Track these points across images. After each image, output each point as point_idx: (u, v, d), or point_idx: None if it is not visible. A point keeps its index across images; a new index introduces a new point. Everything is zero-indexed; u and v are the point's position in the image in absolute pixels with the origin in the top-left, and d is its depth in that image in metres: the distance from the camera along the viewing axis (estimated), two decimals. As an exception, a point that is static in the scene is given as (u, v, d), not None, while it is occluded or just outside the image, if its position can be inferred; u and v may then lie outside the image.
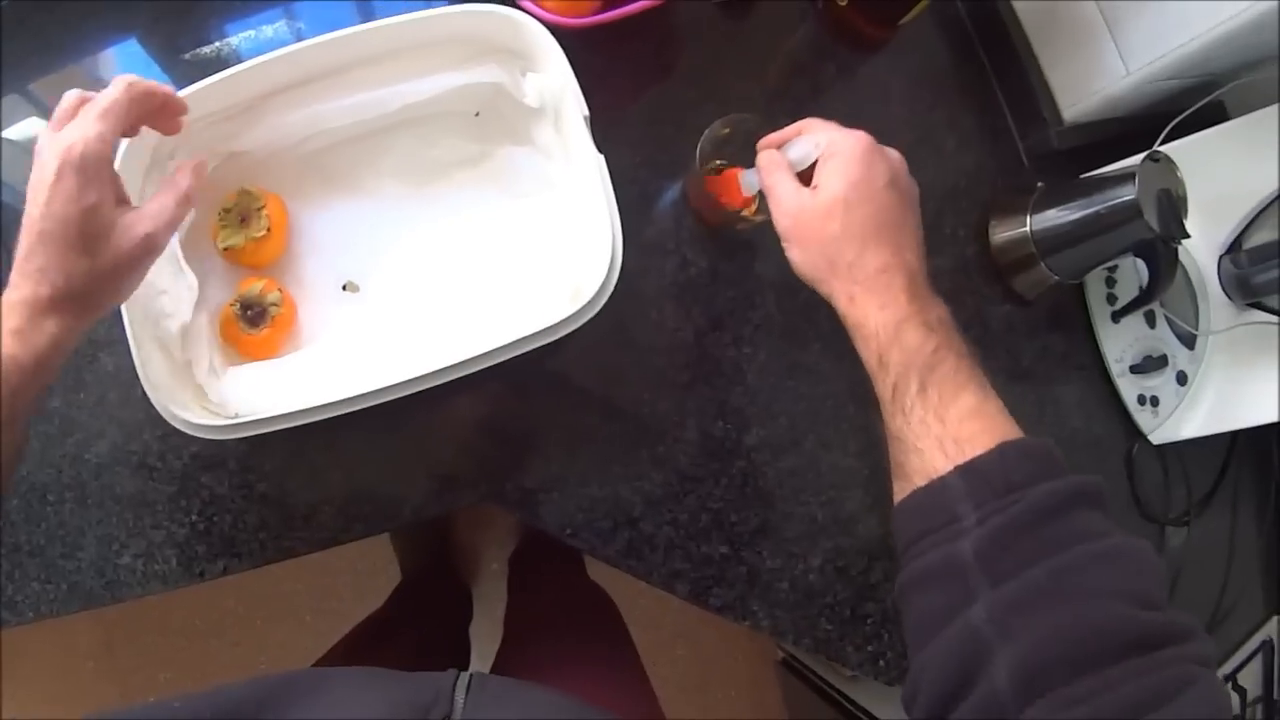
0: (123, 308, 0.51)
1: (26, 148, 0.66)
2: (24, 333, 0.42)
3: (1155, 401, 0.74)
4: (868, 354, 0.46)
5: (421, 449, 0.61)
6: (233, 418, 0.54)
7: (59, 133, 0.43)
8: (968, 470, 0.38)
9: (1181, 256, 0.70)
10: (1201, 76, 0.69)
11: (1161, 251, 0.65)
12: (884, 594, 0.65)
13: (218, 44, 0.67)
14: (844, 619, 0.64)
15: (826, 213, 0.47)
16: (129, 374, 0.53)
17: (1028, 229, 0.68)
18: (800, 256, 0.49)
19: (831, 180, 0.47)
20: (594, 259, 0.50)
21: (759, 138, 0.54)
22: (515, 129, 0.60)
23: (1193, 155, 0.67)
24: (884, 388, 0.44)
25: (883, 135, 0.74)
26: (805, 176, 0.50)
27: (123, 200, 0.45)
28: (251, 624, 1.33)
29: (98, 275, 0.43)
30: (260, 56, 0.54)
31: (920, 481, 0.40)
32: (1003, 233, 0.70)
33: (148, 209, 0.45)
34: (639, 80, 0.66)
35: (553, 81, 0.54)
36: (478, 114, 0.61)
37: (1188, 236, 0.63)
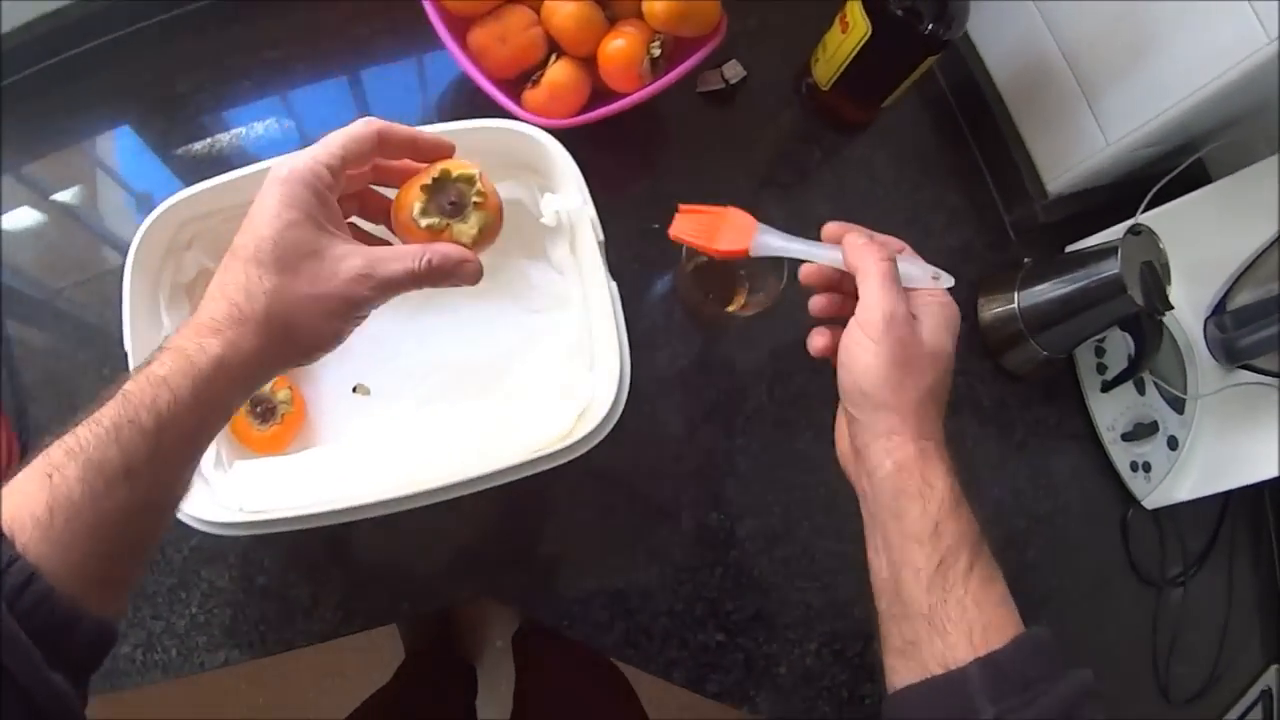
0: None
1: (19, 236, 0.67)
2: (185, 351, 0.37)
3: (1148, 467, 0.75)
4: (919, 518, 0.41)
5: (419, 546, 0.62)
6: (238, 511, 0.53)
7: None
8: (988, 663, 0.37)
9: (1167, 322, 0.71)
10: (1181, 140, 0.70)
11: (1146, 324, 0.65)
12: (881, 675, 0.66)
13: (210, 140, 0.68)
14: (842, 700, 0.64)
15: (933, 356, 0.43)
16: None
17: (1015, 306, 0.69)
18: (888, 375, 0.42)
19: (942, 332, 0.44)
20: (603, 381, 0.51)
21: None
22: (531, 244, 0.60)
23: (1175, 221, 0.67)
24: (927, 560, 0.40)
25: (871, 217, 0.74)
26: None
27: (340, 231, 0.41)
28: (254, 701, 1.31)
29: (291, 299, 0.39)
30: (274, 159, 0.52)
31: (936, 669, 0.38)
32: (991, 310, 0.70)
33: (377, 249, 0.41)
34: (626, 175, 0.67)
35: (569, 203, 0.54)
36: None
37: (1171, 308, 0.63)
